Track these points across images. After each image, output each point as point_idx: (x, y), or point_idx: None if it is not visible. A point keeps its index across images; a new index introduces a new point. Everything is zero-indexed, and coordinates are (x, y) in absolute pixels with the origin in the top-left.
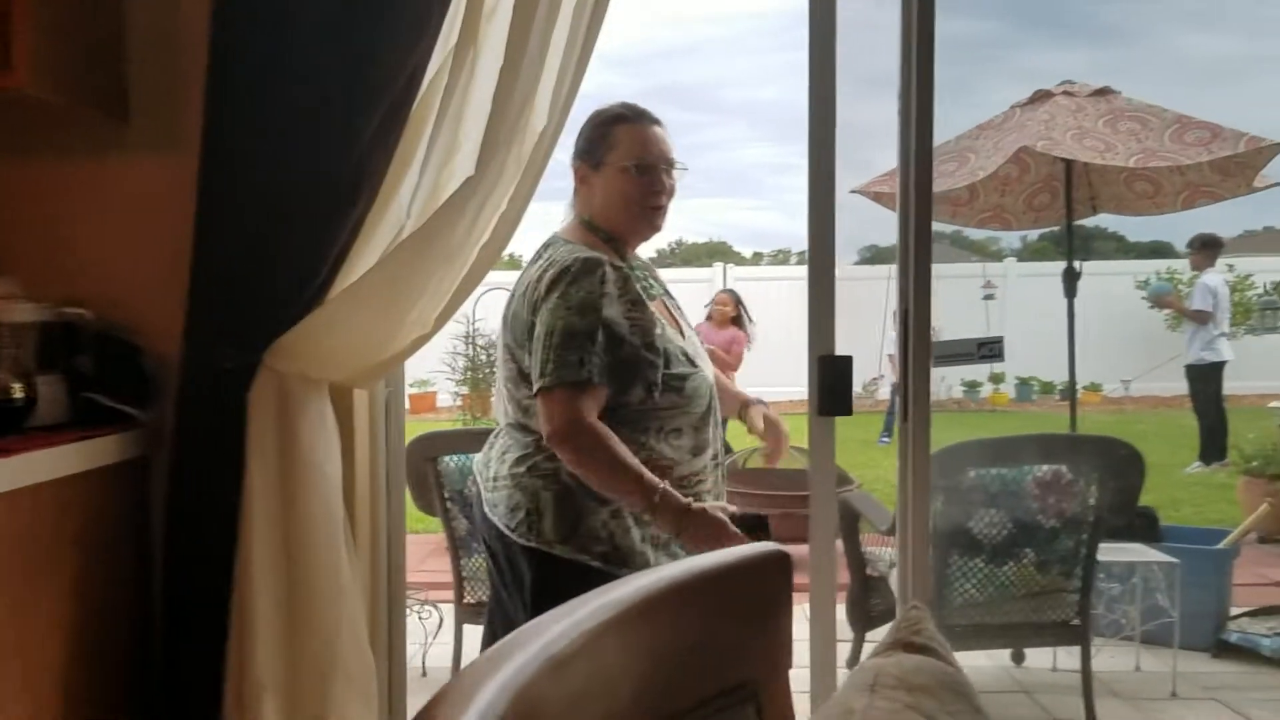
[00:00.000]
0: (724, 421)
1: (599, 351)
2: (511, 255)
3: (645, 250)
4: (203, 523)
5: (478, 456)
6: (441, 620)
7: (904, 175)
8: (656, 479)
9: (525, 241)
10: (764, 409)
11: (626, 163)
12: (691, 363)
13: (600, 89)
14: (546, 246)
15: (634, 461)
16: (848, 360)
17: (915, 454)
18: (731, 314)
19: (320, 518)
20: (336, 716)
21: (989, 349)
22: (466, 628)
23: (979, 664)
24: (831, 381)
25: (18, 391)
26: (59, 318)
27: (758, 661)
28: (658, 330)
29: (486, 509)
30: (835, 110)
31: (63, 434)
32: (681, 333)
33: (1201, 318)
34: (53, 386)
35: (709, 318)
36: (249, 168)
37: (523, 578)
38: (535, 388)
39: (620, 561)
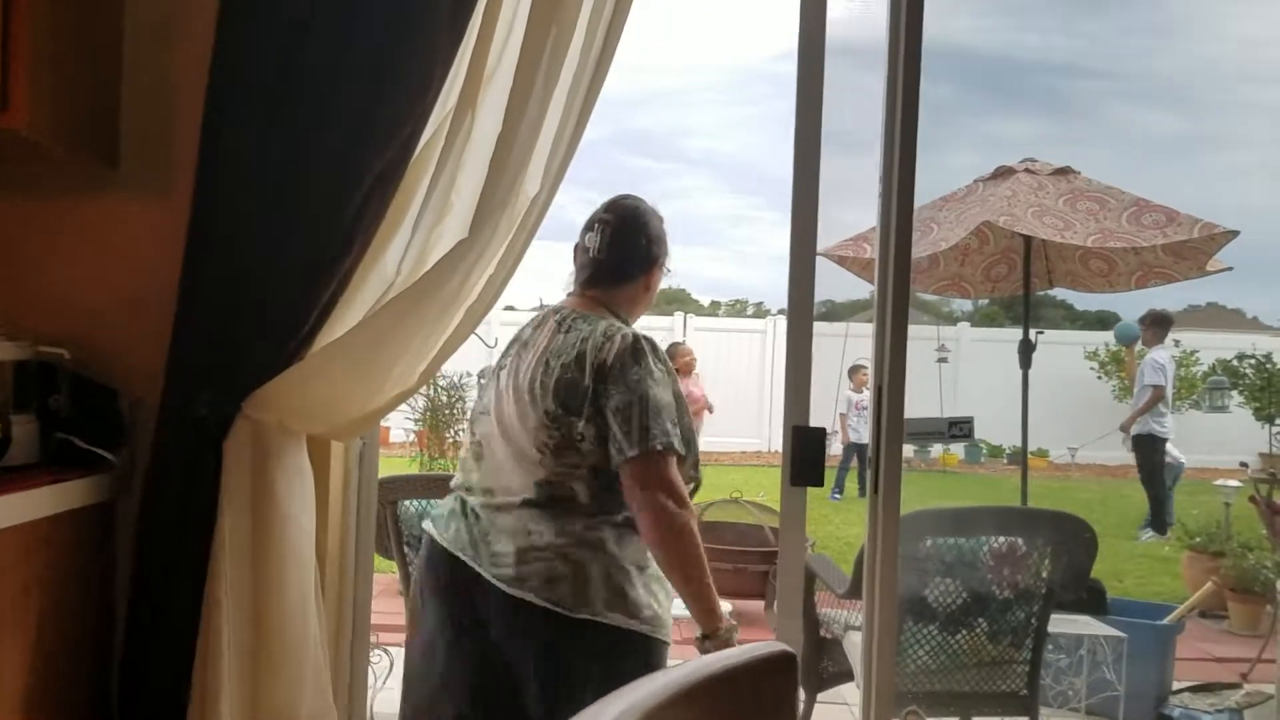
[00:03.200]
0: None
1: (687, 422)
2: None
3: None
4: (170, 569)
5: (456, 534)
6: (392, 664)
7: (883, 257)
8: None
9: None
10: None
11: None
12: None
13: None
14: (581, 319)
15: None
16: (821, 431)
17: (884, 527)
18: (694, 365)
19: (292, 569)
20: None
21: (959, 429)
22: None
23: None
24: (805, 452)
25: None
26: (37, 356)
27: None
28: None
29: (504, 586)
30: (818, 183)
31: (35, 476)
32: None
33: (1158, 394)
34: (26, 426)
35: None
36: (239, 218)
37: (554, 648)
38: (635, 451)
39: (659, 624)
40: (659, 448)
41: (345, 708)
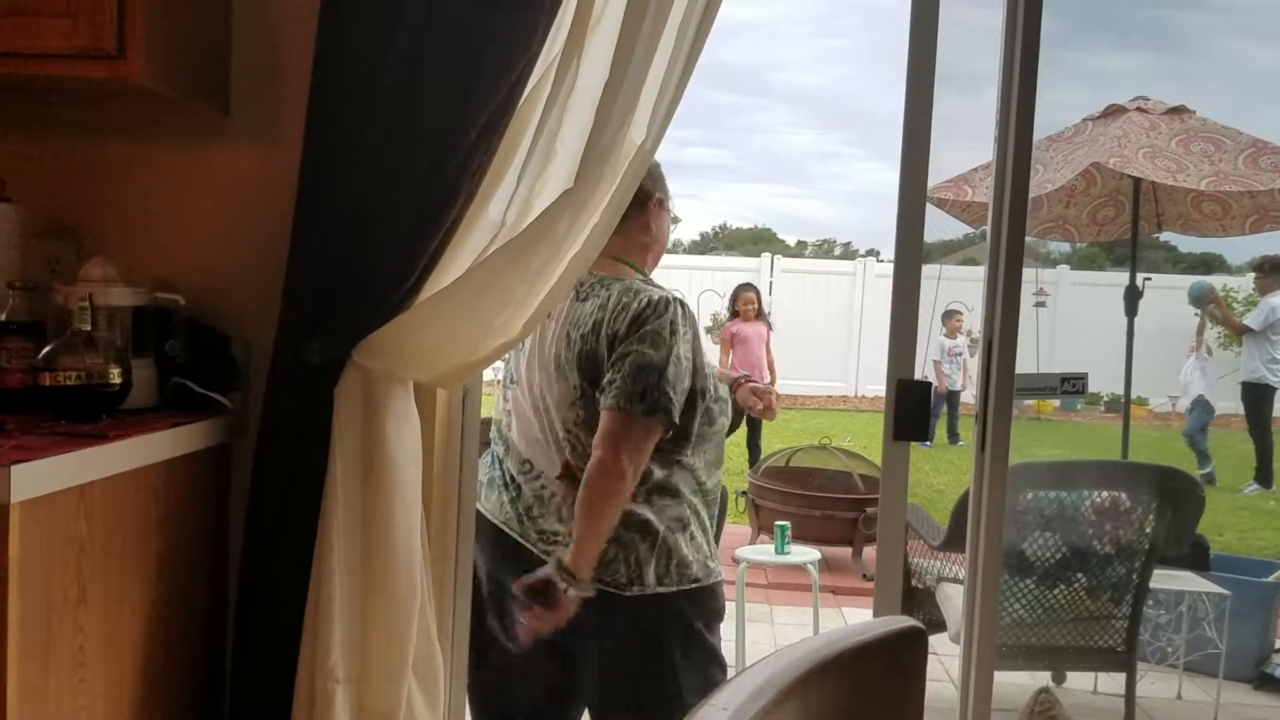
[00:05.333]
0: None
1: (667, 387)
2: None
3: (689, 231)
4: (283, 513)
5: (500, 505)
6: None
7: (997, 206)
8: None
9: None
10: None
11: (668, 202)
12: (717, 387)
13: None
14: (598, 283)
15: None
16: (927, 386)
17: (991, 485)
18: (756, 310)
19: (399, 515)
20: (404, 713)
21: (1072, 384)
22: None
23: (1020, 681)
24: (908, 406)
25: (115, 376)
26: (153, 302)
27: None
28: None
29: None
30: (930, 126)
31: (154, 419)
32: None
33: (1244, 329)
34: (144, 371)
35: (736, 314)
36: (349, 166)
37: (606, 625)
38: (618, 404)
39: (708, 571)
40: (641, 412)
41: (448, 650)
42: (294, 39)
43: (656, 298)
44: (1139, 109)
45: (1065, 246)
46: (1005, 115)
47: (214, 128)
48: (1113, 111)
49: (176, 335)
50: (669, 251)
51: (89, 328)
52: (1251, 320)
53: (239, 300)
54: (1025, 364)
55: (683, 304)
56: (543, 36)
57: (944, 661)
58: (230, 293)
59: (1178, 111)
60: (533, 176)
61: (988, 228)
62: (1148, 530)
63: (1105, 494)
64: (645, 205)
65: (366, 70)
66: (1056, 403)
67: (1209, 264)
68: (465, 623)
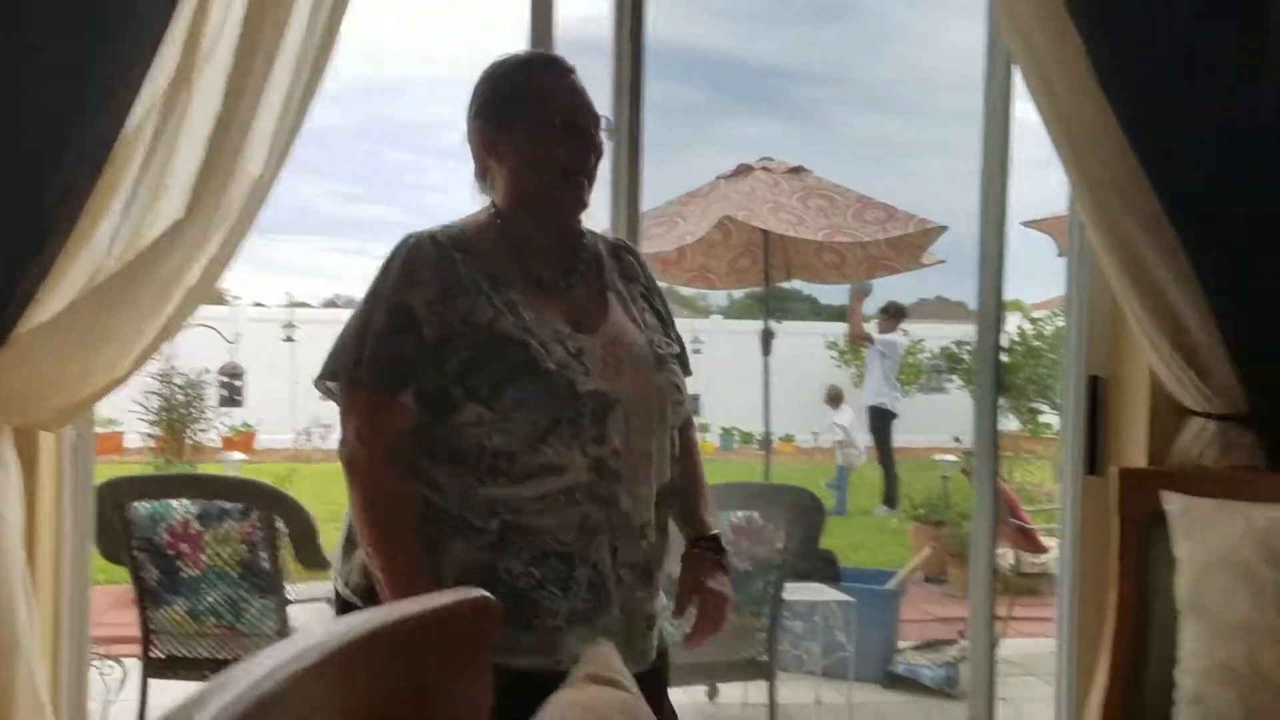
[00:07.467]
0: None
1: (376, 342)
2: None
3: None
4: None
5: None
6: (125, 675)
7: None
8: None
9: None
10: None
11: (547, 116)
12: (564, 364)
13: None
14: None
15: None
16: None
17: None
18: None
19: None
20: None
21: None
22: (152, 682)
23: (676, 700)
24: None
25: None
26: None
27: (461, 707)
28: (487, 318)
29: None
30: None
31: None
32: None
33: (865, 338)
34: None
35: None
36: None
37: None
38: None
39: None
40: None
41: (70, 715)
42: None
43: (406, 239)
44: (764, 168)
45: (723, 299)
46: (617, 179)
47: None
48: (741, 170)
49: None
50: None
51: None
52: (878, 341)
53: None
54: None
55: (439, 241)
56: (142, 72)
57: None
58: None
59: (797, 171)
60: (141, 209)
61: None
62: (779, 546)
63: (742, 514)
64: (474, 137)
65: None
66: (716, 444)
67: (844, 315)
68: (84, 681)
